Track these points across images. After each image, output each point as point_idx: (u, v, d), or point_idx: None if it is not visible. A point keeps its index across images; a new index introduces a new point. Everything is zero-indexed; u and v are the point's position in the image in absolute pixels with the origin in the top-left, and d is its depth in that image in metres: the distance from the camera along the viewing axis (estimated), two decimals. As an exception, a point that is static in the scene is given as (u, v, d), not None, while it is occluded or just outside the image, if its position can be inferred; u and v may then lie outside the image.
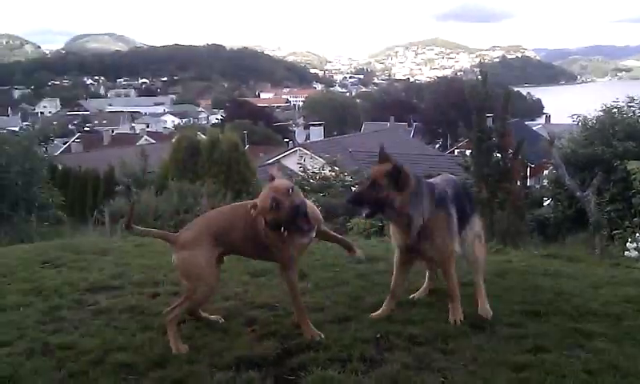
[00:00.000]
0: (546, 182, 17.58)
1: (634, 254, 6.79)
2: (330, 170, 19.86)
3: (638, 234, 7.36)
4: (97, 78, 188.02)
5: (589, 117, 15.99)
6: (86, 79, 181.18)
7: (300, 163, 22.32)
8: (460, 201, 4.10)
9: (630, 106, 15.70)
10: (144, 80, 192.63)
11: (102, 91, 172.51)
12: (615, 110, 15.68)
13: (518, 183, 13.22)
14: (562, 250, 7.06)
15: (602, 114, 15.80)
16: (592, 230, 8.70)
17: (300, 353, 3.43)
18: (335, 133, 59.42)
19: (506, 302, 4.25)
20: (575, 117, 16.44)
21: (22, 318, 4.17)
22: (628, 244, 7.19)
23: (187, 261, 3.65)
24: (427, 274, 4.49)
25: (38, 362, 3.46)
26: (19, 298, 4.58)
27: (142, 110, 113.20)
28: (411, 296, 4.36)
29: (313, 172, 19.87)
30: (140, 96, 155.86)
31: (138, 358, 3.44)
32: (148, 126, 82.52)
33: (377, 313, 4.02)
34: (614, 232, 8.95)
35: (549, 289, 4.49)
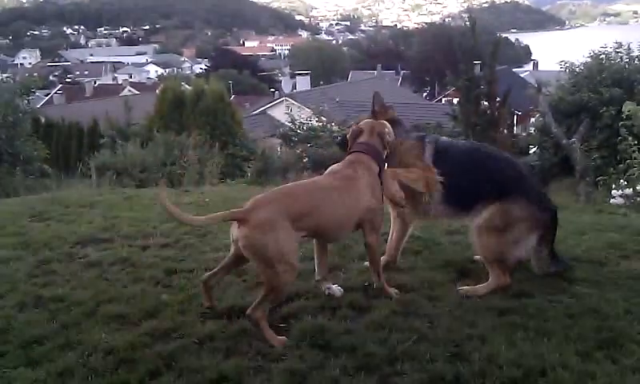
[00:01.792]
0: (532, 129, 17.63)
1: (619, 200, 6.89)
2: (317, 121, 19.78)
3: (622, 181, 7.44)
4: (77, 27, 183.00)
5: (576, 63, 15.92)
6: (65, 29, 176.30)
7: (287, 113, 22.19)
8: (472, 165, 3.79)
9: (618, 52, 15.63)
10: (125, 29, 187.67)
11: (82, 41, 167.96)
12: (603, 56, 15.61)
13: (505, 131, 13.29)
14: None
15: (589, 60, 15.73)
16: (578, 176, 8.79)
17: (290, 301, 3.49)
18: (322, 82, 58.75)
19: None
20: (563, 63, 16.33)
21: (13, 271, 4.17)
22: (613, 191, 7.28)
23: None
24: None
25: (31, 314, 3.48)
26: (8, 252, 4.56)
27: (124, 59, 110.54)
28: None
29: (300, 122, 19.79)
30: (121, 45, 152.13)
31: (130, 309, 3.47)
32: (131, 77, 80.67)
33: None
34: (598, 178, 9.06)
35: (534, 235, 4.53)
